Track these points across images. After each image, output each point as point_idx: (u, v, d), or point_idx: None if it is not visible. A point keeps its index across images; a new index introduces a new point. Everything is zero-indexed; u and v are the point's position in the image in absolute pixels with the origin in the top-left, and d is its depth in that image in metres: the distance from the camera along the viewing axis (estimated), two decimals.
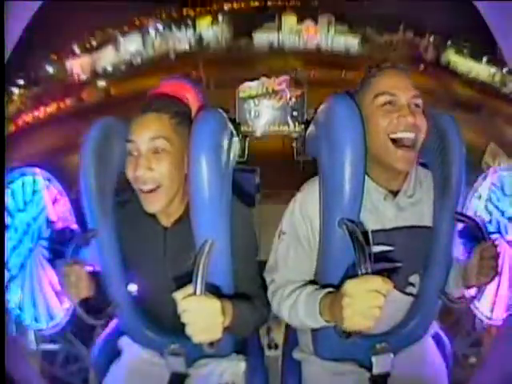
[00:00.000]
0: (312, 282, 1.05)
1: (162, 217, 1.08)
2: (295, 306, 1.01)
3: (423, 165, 1.14)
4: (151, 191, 0.99)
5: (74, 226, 1.66)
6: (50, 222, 1.62)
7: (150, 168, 0.97)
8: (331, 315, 0.88)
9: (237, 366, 1.16)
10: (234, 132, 1.13)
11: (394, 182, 1.06)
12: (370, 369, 1.09)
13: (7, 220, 1.41)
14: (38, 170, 1.57)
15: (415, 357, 1.15)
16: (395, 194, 1.06)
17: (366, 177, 1.00)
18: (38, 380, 1.26)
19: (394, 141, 0.99)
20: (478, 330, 1.93)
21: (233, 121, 1.15)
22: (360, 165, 0.91)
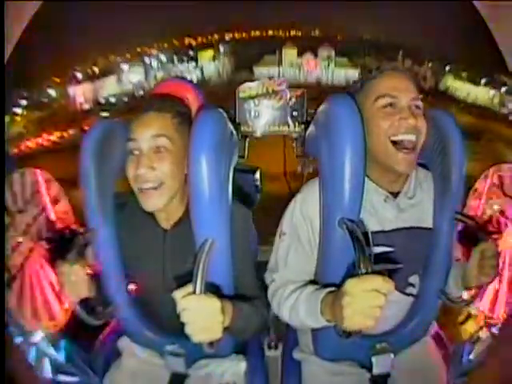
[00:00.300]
0: (312, 282, 1.05)
1: (161, 218, 1.08)
2: (296, 305, 1.01)
3: (423, 165, 1.14)
4: (153, 189, 0.99)
5: (74, 226, 1.67)
6: (50, 222, 1.62)
7: (152, 167, 0.98)
8: (332, 314, 0.88)
9: (237, 366, 1.16)
10: (234, 132, 1.13)
11: (395, 183, 1.06)
12: (370, 369, 1.09)
13: (7, 220, 1.41)
14: (37, 170, 1.57)
15: (415, 357, 1.15)
16: (395, 195, 1.06)
17: (367, 178, 1.00)
18: (38, 380, 1.26)
19: (394, 143, 0.99)
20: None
21: (233, 121, 1.15)
22: (360, 165, 0.91)
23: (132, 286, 1.11)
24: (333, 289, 0.92)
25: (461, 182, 1.05)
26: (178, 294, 0.79)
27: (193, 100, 1.22)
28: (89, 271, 1.01)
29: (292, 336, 1.32)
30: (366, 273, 0.78)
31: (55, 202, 1.62)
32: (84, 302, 1.00)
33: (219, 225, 0.95)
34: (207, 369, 1.15)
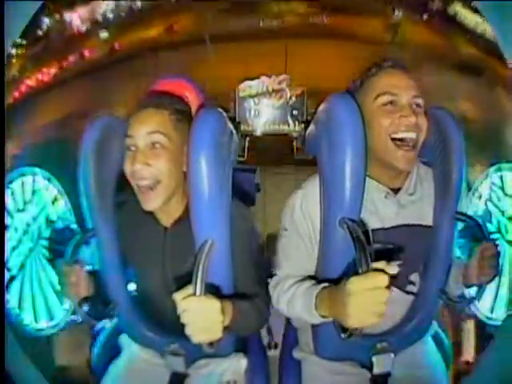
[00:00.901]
0: (311, 278, 1.05)
1: (161, 216, 1.08)
2: (292, 299, 1.02)
3: (424, 163, 1.14)
4: (149, 188, 0.99)
5: (74, 226, 1.66)
6: (49, 222, 1.62)
7: (148, 163, 0.97)
8: (331, 312, 0.88)
9: (238, 364, 1.16)
10: (234, 131, 1.12)
11: (395, 180, 1.06)
12: (370, 369, 1.09)
13: (7, 220, 1.41)
14: (37, 169, 1.57)
15: (416, 356, 1.15)
16: (396, 191, 1.06)
17: (367, 177, 0.99)
18: (38, 380, 1.26)
19: (395, 141, 0.99)
20: None
21: (233, 120, 1.15)
22: (360, 164, 0.91)
23: (132, 286, 1.11)
24: (326, 284, 0.93)
25: (461, 181, 1.04)
26: (177, 296, 0.79)
27: (193, 99, 1.21)
28: (88, 270, 1.01)
29: (292, 335, 1.32)
30: (367, 271, 0.77)
31: (55, 201, 1.62)
32: (84, 302, 1.00)
33: (219, 224, 0.95)
34: (207, 368, 1.15)
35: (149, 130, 0.98)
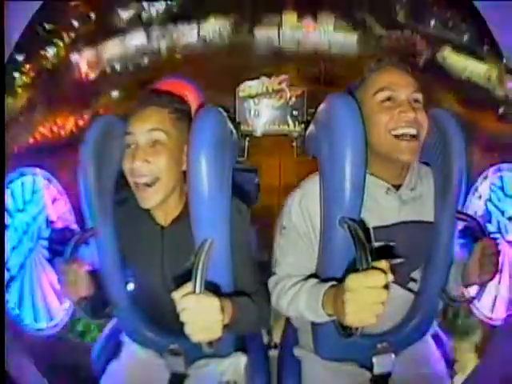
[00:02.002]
0: (314, 276, 1.05)
1: (159, 215, 1.08)
2: (296, 297, 1.01)
3: (424, 163, 1.14)
4: (148, 185, 0.99)
5: (74, 226, 1.66)
6: (49, 222, 1.62)
7: (147, 160, 0.97)
8: (333, 309, 0.87)
9: (238, 363, 1.16)
10: (234, 130, 1.12)
11: (396, 176, 1.07)
12: (370, 369, 1.09)
13: (7, 220, 1.41)
14: (37, 169, 1.57)
15: (416, 356, 1.15)
16: (397, 188, 1.07)
17: (368, 174, 0.99)
18: (38, 380, 1.26)
19: (395, 136, 0.99)
20: None
21: (232, 120, 1.15)
22: (360, 164, 0.91)
23: (131, 285, 1.11)
24: (335, 283, 0.92)
25: (461, 181, 1.05)
26: (177, 294, 0.79)
27: (193, 99, 1.21)
28: (88, 270, 1.01)
29: (291, 335, 1.32)
30: (367, 269, 0.77)
31: (55, 201, 1.62)
32: (83, 301, 1.00)
33: (218, 223, 0.95)
34: (207, 368, 1.15)
35: (149, 128, 0.99)
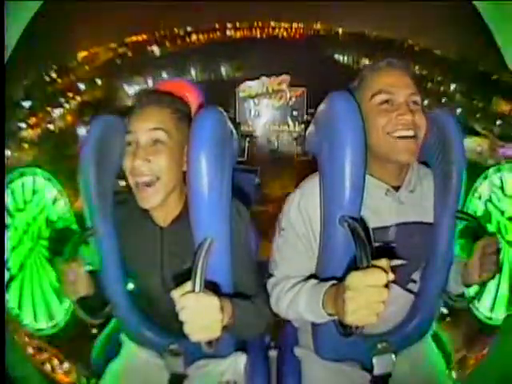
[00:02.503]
0: (314, 277, 1.05)
1: (158, 216, 1.08)
2: (296, 298, 1.01)
3: (424, 163, 1.14)
4: (148, 185, 0.99)
5: (74, 226, 1.66)
6: (49, 222, 1.62)
7: (148, 159, 0.98)
8: (334, 308, 0.87)
9: (237, 363, 1.15)
10: (234, 130, 1.13)
11: (395, 178, 1.07)
12: (371, 369, 1.08)
13: (7, 219, 1.41)
14: (37, 169, 1.57)
15: (416, 356, 1.15)
16: (397, 189, 1.07)
17: (367, 175, 0.99)
18: (38, 380, 1.26)
19: (393, 138, 0.99)
20: None
21: (233, 120, 1.15)
22: (360, 163, 0.91)
23: (130, 285, 1.11)
24: (335, 282, 0.92)
25: (461, 181, 1.05)
26: (176, 293, 0.78)
27: (193, 99, 1.22)
28: (87, 269, 1.01)
29: (291, 335, 1.31)
30: (367, 267, 0.77)
31: (55, 201, 1.62)
32: (83, 301, 1.00)
33: (218, 223, 0.95)
34: (206, 368, 1.14)
35: (151, 127, 0.99)
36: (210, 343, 0.81)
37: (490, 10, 1.14)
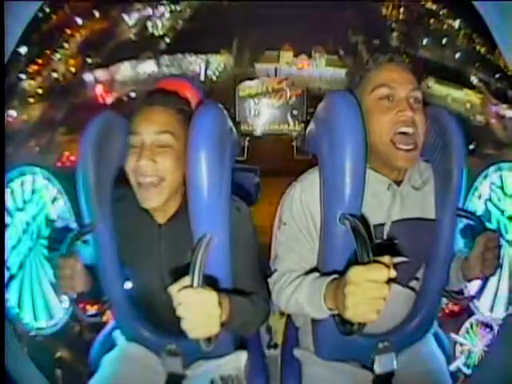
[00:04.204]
0: (315, 270, 1.04)
1: (157, 214, 1.08)
2: (297, 290, 1.00)
3: (424, 161, 1.14)
4: (152, 185, 0.98)
5: (74, 225, 1.66)
6: (49, 221, 1.62)
7: (154, 160, 0.97)
8: (334, 303, 0.86)
9: (238, 359, 1.14)
10: (234, 128, 1.12)
11: (396, 173, 1.07)
12: (372, 369, 1.08)
13: (7, 219, 1.41)
14: (37, 169, 1.57)
15: (418, 356, 1.15)
16: (398, 184, 1.07)
17: (368, 169, 0.99)
18: (38, 380, 1.25)
19: (395, 136, 0.99)
20: None
21: (233, 120, 1.15)
22: (361, 161, 0.91)
23: (129, 283, 1.11)
24: (337, 276, 0.91)
25: (462, 178, 1.04)
26: (173, 288, 0.76)
27: (192, 97, 1.22)
28: (85, 265, 1.00)
29: (292, 336, 1.31)
30: (368, 262, 0.76)
31: (54, 200, 1.62)
32: (80, 299, 1.00)
33: (218, 220, 0.94)
34: (205, 368, 1.13)
35: (157, 129, 0.98)
36: (208, 340, 0.79)
37: (489, 9, 1.14)
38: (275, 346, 1.89)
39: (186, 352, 1.09)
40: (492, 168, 1.76)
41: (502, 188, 1.75)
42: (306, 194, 1.06)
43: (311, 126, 1.13)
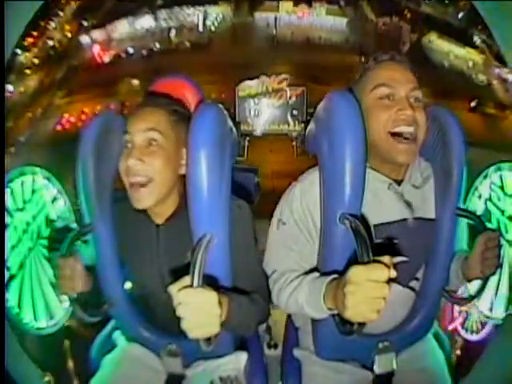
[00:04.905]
0: (316, 270, 1.04)
1: (153, 213, 1.08)
2: (297, 289, 1.00)
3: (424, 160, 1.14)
4: (141, 186, 0.98)
5: (74, 225, 1.66)
6: (49, 221, 1.62)
7: (141, 159, 0.97)
8: (334, 302, 0.86)
9: (238, 360, 1.14)
10: (234, 128, 1.12)
11: (397, 172, 1.07)
12: (372, 369, 1.08)
13: (7, 219, 1.41)
14: (37, 169, 1.57)
15: (418, 355, 1.15)
16: (398, 183, 1.07)
17: (369, 168, 1.00)
18: (38, 380, 1.26)
19: (393, 135, 0.99)
20: None
21: (232, 120, 1.15)
22: (361, 161, 0.91)
23: (128, 284, 1.11)
24: (337, 276, 0.91)
25: (461, 178, 1.04)
26: (173, 288, 0.76)
27: (191, 97, 1.22)
28: (84, 265, 1.00)
29: (292, 336, 1.31)
30: (368, 262, 0.76)
31: (54, 200, 1.62)
32: (80, 299, 1.00)
33: (218, 220, 0.94)
34: (205, 366, 1.13)
35: (145, 127, 0.99)
36: (208, 340, 0.80)
37: (489, 8, 1.14)
38: (275, 346, 1.89)
39: (186, 352, 1.09)
40: (492, 168, 1.76)
41: (502, 188, 1.75)
42: (306, 193, 1.06)
43: (311, 125, 1.13)
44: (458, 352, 1.97)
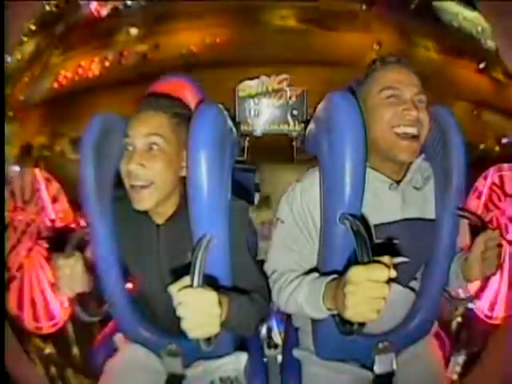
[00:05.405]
0: (315, 270, 1.04)
1: (154, 213, 1.08)
2: (296, 291, 1.00)
3: (424, 160, 1.14)
4: (142, 187, 0.98)
5: (74, 225, 1.66)
6: (49, 221, 1.62)
7: (143, 164, 0.97)
8: (334, 302, 0.86)
9: (238, 360, 1.14)
10: (234, 128, 1.12)
11: (397, 172, 1.07)
12: (372, 369, 1.08)
13: (7, 219, 1.41)
14: (37, 169, 1.57)
15: (419, 355, 1.15)
16: (398, 183, 1.07)
17: (370, 168, 1.00)
18: (38, 380, 1.26)
19: (397, 134, 1.00)
20: None
21: (232, 120, 1.15)
22: (361, 161, 0.91)
23: (129, 284, 1.11)
24: (336, 276, 0.91)
25: (462, 178, 1.04)
26: (173, 288, 0.76)
27: (192, 97, 1.22)
28: (84, 265, 1.00)
29: (292, 336, 1.31)
30: (368, 262, 0.76)
31: (55, 200, 1.62)
32: (80, 299, 1.00)
33: (218, 220, 0.94)
34: (205, 367, 1.13)
35: (147, 132, 0.98)
36: (208, 340, 0.80)
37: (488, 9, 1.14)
38: (275, 346, 1.89)
39: (186, 352, 1.09)
40: (492, 168, 1.77)
41: (502, 188, 1.75)
42: (306, 194, 1.07)
43: (311, 125, 1.13)
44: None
